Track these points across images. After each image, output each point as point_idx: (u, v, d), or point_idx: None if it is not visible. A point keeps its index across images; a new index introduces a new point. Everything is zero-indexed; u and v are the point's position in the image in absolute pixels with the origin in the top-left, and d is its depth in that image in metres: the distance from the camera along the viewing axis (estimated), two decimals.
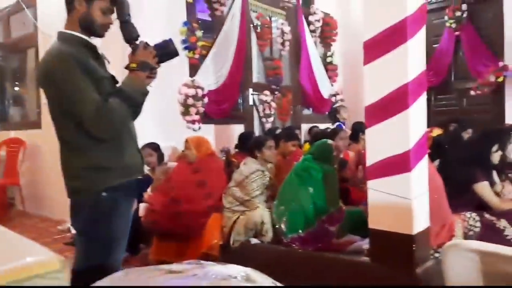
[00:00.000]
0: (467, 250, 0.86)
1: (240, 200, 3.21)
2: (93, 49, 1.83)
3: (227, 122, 5.19)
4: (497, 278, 0.82)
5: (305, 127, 6.26)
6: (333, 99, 6.79)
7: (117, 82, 1.90)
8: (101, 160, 1.77)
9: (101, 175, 1.77)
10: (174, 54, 1.91)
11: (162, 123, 4.32)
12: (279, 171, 3.74)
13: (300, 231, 2.91)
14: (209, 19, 5.15)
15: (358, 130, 4.68)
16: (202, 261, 1.18)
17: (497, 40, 6.12)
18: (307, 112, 6.72)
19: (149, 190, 3.66)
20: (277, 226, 3.03)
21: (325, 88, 6.63)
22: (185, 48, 4.60)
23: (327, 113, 6.68)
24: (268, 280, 1.09)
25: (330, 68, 6.88)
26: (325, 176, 3.04)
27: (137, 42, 1.86)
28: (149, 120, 4.04)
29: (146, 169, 3.94)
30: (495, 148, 3.04)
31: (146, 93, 1.84)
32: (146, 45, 1.85)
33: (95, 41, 1.88)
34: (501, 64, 6.02)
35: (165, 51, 1.89)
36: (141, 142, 3.82)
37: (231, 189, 3.28)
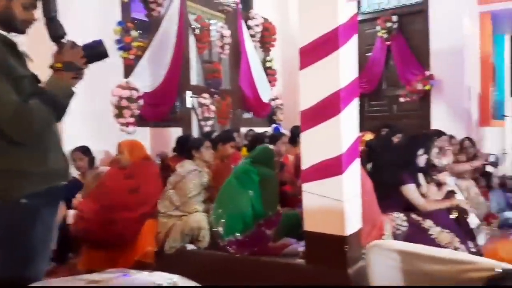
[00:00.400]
0: (389, 250, 0.89)
1: (176, 204, 3.14)
2: (12, 46, 1.71)
3: (164, 125, 5.07)
4: (416, 276, 0.85)
5: (245, 130, 6.28)
6: (272, 103, 6.88)
7: (40, 81, 1.79)
8: (20, 164, 1.65)
9: (20, 180, 1.65)
10: (104, 55, 1.85)
11: (94, 126, 4.14)
12: (218, 174, 3.69)
13: (238, 234, 2.90)
14: (146, 19, 5.02)
15: (296, 134, 4.75)
16: (127, 270, 1.13)
17: (424, 51, 6.52)
18: (247, 115, 6.75)
19: (78, 195, 3.48)
20: (214, 229, 3.00)
21: (265, 92, 6.70)
22: (120, 48, 4.44)
23: (266, 116, 6.76)
24: (195, 286, 1.08)
25: (269, 73, 6.97)
26: (265, 180, 3.06)
27: (64, 41, 1.77)
28: (80, 123, 3.88)
29: (76, 173, 3.75)
30: (420, 152, 3.22)
31: (71, 94, 1.75)
32: (73, 44, 1.77)
33: (16, 38, 1.75)
34: (427, 73, 6.42)
35: (94, 51, 1.82)
36: (71, 145, 3.70)
37: (167, 193, 3.21)
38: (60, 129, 1.90)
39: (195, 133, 5.52)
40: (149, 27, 4.97)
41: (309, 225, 2.47)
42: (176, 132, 5.12)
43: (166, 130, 5.12)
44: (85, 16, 4.05)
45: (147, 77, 4.70)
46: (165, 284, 1.01)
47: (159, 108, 4.85)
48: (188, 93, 5.48)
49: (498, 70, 8.09)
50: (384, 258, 0.88)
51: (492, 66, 7.39)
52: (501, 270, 0.76)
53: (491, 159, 5.38)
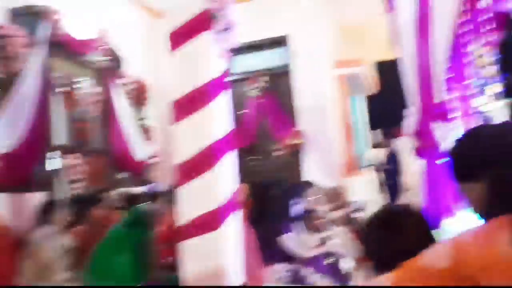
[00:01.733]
0: None
1: (33, 278, 2.76)
2: None
3: (24, 190, 4.50)
4: None
5: (120, 191, 5.90)
6: (150, 161, 6.66)
7: None
8: None
9: None
10: None
11: None
12: (88, 240, 3.37)
13: None
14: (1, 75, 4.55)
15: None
16: None
17: (292, 108, 7.04)
18: (122, 175, 6.39)
19: None
20: None
21: (140, 151, 6.47)
22: None
23: (142, 176, 6.50)
24: None
25: (145, 130, 6.79)
26: (141, 244, 2.88)
27: None
28: None
29: None
30: (293, 201, 3.35)
31: None
32: None
33: None
34: (297, 129, 6.92)
35: None
36: None
37: (22, 266, 2.80)
38: None
39: (63, 197, 5.01)
40: (6, 84, 4.50)
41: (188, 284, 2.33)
42: (40, 198, 4.58)
43: (27, 196, 4.55)
44: None
45: (2, 138, 4.19)
46: None
47: (18, 171, 4.32)
48: (55, 154, 5.01)
49: (357, 126, 9.10)
50: None
51: (350, 123, 8.28)
52: None
53: (357, 205, 5.87)
